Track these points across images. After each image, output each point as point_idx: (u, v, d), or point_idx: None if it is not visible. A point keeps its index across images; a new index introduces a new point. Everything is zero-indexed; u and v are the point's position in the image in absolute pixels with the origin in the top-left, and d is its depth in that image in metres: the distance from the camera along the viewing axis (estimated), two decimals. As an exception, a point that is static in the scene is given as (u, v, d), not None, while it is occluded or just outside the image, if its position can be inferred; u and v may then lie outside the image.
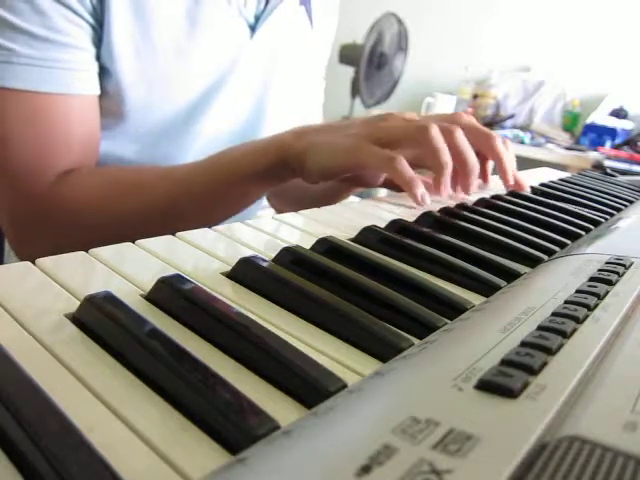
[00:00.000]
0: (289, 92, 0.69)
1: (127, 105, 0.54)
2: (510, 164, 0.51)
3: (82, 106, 0.50)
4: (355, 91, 2.48)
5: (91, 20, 0.49)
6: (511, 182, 0.51)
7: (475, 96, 2.62)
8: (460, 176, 0.46)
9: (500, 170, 0.50)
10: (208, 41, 0.57)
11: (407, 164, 0.42)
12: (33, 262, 0.26)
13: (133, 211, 0.49)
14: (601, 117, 2.33)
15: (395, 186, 0.53)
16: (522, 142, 2.31)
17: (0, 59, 0.46)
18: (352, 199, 0.41)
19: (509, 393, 0.16)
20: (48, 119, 0.49)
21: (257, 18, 0.61)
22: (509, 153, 0.51)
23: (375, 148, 0.43)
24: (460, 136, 0.45)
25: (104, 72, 0.52)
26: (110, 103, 0.54)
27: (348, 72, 2.47)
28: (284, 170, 0.47)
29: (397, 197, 0.49)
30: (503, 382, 0.16)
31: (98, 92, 0.52)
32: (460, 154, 0.45)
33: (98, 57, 0.51)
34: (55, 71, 0.48)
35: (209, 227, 0.34)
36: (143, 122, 0.56)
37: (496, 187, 0.55)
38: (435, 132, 0.43)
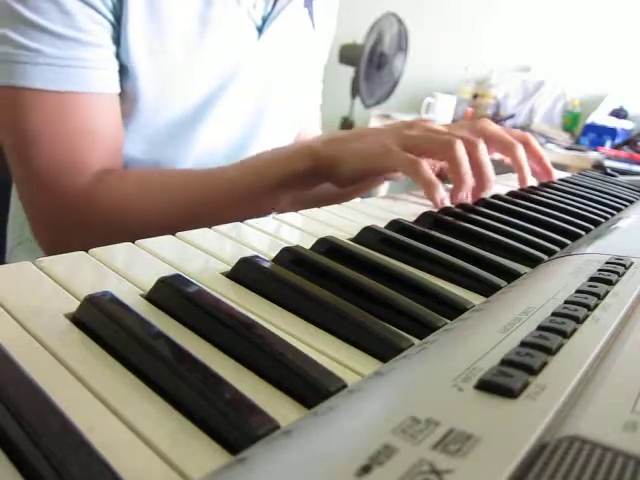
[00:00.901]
0: (290, 93, 0.69)
1: (140, 104, 0.54)
2: (527, 170, 0.56)
3: (105, 104, 0.51)
4: (355, 91, 2.48)
5: (111, 18, 0.50)
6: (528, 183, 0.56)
7: (475, 96, 2.62)
8: (475, 187, 0.48)
9: (520, 179, 0.55)
10: (217, 41, 0.57)
11: (429, 168, 0.45)
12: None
13: (163, 214, 0.50)
14: (601, 117, 2.32)
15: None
16: (522, 142, 2.30)
17: (26, 60, 0.46)
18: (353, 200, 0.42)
19: (509, 393, 0.16)
20: (76, 118, 0.49)
21: (264, 20, 0.61)
22: (537, 153, 0.58)
23: (402, 152, 0.46)
24: (482, 150, 0.47)
25: (123, 70, 0.52)
26: (124, 103, 0.54)
27: (348, 72, 2.47)
28: (313, 177, 0.49)
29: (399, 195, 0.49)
30: (503, 382, 0.16)
31: (119, 90, 0.52)
32: (479, 168, 0.47)
33: (117, 55, 0.52)
34: (80, 70, 0.48)
35: (209, 228, 0.34)
36: (152, 121, 0.57)
37: (496, 187, 0.55)
38: (459, 148, 0.45)
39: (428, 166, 0.45)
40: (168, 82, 0.55)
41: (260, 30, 0.61)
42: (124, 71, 0.52)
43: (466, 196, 0.47)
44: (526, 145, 0.57)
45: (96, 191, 0.50)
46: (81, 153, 0.50)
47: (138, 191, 0.51)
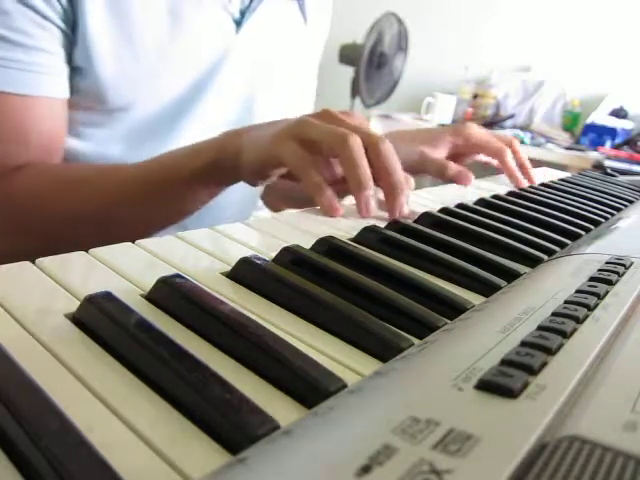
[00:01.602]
0: (279, 89, 0.68)
1: (111, 103, 0.54)
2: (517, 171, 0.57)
3: (43, 108, 0.50)
4: (355, 91, 2.47)
5: (60, 23, 0.49)
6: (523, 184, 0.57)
7: (475, 96, 2.62)
8: (385, 197, 0.41)
9: (514, 183, 0.57)
10: (192, 38, 0.56)
11: (320, 170, 0.40)
12: (33, 261, 0.26)
13: (69, 209, 0.49)
14: (601, 117, 2.32)
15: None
16: (522, 142, 2.31)
17: None
18: (352, 199, 0.41)
19: (509, 393, 0.16)
20: (7, 117, 0.48)
21: (243, 13, 0.60)
22: (520, 159, 0.59)
23: (293, 145, 0.40)
24: (386, 151, 0.40)
25: (79, 73, 0.52)
26: (91, 102, 0.54)
27: (348, 72, 2.47)
28: (220, 172, 0.46)
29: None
30: (503, 382, 0.16)
31: (64, 95, 0.52)
32: (382, 172, 0.40)
33: (71, 59, 0.51)
34: (15, 72, 0.47)
35: (209, 227, 0.34)
36: (128, 121, 0.56)
37: (495, 187, 0.55)
38: (353, 144, 0.38)
39: (319, 167, 0.40)
40: (140, 82, 0.54)
41: (239, 24, 0.60)
42: (81, 73, 0.52)
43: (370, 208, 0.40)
44: (512, 150, 0.58)
45: (12, 182, 0.50)
46: (6, 149, 0.50)
47: (52, 185, 0.50)
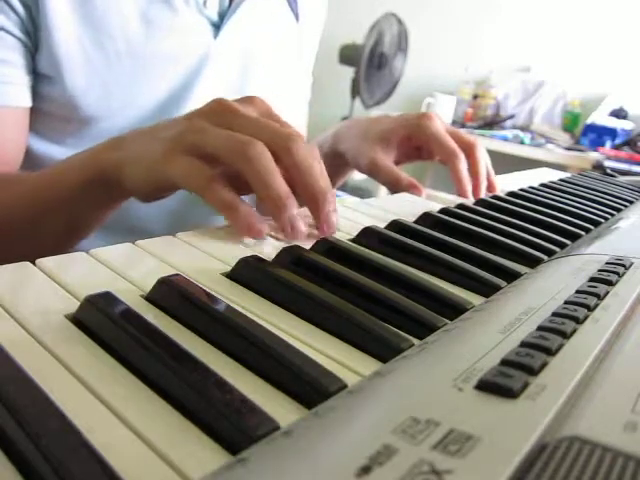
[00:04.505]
0: (269, 92, 0.65)
1: (84, 112, 0.53)
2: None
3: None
4: (355, 91, 2.48)
5: (18, 32, 0.48)
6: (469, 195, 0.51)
7: (475, 96, 2.62)
8: (308, 209, 0.34)
9: (458, 191, 0.51)
10: (167, 43, 0.55)
11: (226, 182, 0.33)
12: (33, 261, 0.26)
13: None
14: (601, 117, 2.33)
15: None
16: (522, 142, 2.31)
17: None
18: (352, 199, 0.40)
19: (509, 393, 0.16)
20: None
21: (222, 16, 0.58)
22: (477, 167, 0.52)
23: (185, 162, 0.33)
24: (299, 153, 0.33)
25: (46, 80, 0.51)
26: (65, 110, 0.53)
27: (348, 72, 2.47)
28: (103, 188, 0.39)
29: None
30: (503, 382, 0.16)
31: (24, 104, 0.51)
32: (297, 180, 0.33)
33: (35, 67, 0.50)
34: None
35: (209, 228, 0.34)
36: (108, 127, 0.54)
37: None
38: (255, 155, 0.32)
39: (225, 183, 0.33)
40: (114, 88, 0.53)
41: (218, 27, 0.58)
42: (49, 81, 0.51)
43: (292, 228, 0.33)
44: (468, 153, 0.51)
45: None
46: None
47: None
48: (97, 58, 0.52)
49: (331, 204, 0.34)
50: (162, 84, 0.56)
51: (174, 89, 0.57)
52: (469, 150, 0.52)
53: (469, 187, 0.51)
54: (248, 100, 0.37)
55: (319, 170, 0.34)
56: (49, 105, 0.53)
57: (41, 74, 0.51)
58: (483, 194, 0.52)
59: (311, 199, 0.34)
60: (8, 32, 0.48)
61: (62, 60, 0.50)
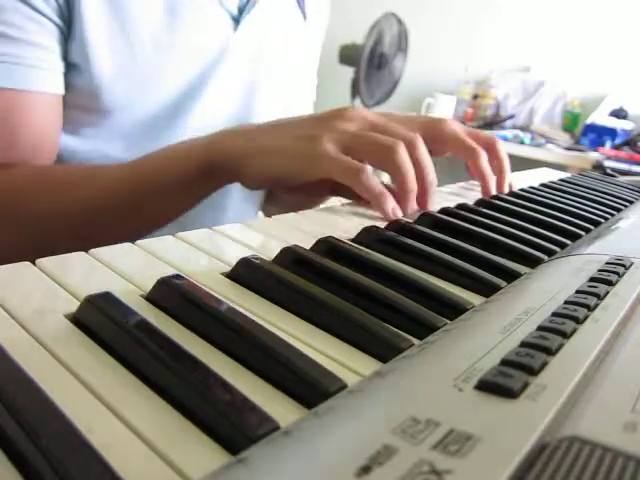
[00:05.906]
0: (279, 87, 0.67)
1: (107, 102, 0.53)
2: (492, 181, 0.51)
3: (35, 103, 0.49)
4: (355, 91, 2.48)
5: (56, 19, 0.48)
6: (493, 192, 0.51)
7: (475, 96, 2.62)
8: (420, 194, 0.44)
9: (483, 190, 0.50)
10: (188, 35, 0.56)
11: (374, 177, 0.40)
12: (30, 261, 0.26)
13: (48, 209, 0.47)
14: (601, 117, 2.33)
15: (351, 194, 0.47)
16: (522, 142, 2.31)
17: None
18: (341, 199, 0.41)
19: (509, 393, 0.16)
20: None
21: (241, 10, 0.59)
22: (501, 163, 0.51)
23: (340, 157, 0.40)
24: (423, 152, 0.43)
25: (75, 69, 0.51)
26: (87, 100, 0.53)
27: (348, 72, 2.47)
28: (214, 175, 0.44)
29: None
30: (503, 382, 0.16)
31: (59, 91, 0.51)
32: (421, 171, 0.43)
33: (66, 55, 0.50)
34: (7, 66, 0.47)
35: (209, 228, 0.34)
36: (127, 118, 0.55)
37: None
38: (402, 154, 0.41)
39: (372, 175, 0.40)
40: (137, 79, 0.54)
41: (237, 21, 0.59)
42: (77, 70, 0.51)
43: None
44: (490, 150, 0.51)
45: None
46: None
47: (30, 185, 0.49)
48: (123, 47, 0.52)
49: (432, 193, 0.44)
50: (181, 76, 0.57)
51: (191, 82, 0.58)
52: (491, 147, 0.51)
53: (493, 183, 0.51)
54: (383, 113, 0.46)
55: (432, 165, 0.43)
56: (72, 95, 0.53)
57: (70, 63, 0.51)
58: (507, 190, 0.53)
59: (423, 188, 0.43)
60: (48, 18, 0.48)
61: (90, 48, 0.50)
